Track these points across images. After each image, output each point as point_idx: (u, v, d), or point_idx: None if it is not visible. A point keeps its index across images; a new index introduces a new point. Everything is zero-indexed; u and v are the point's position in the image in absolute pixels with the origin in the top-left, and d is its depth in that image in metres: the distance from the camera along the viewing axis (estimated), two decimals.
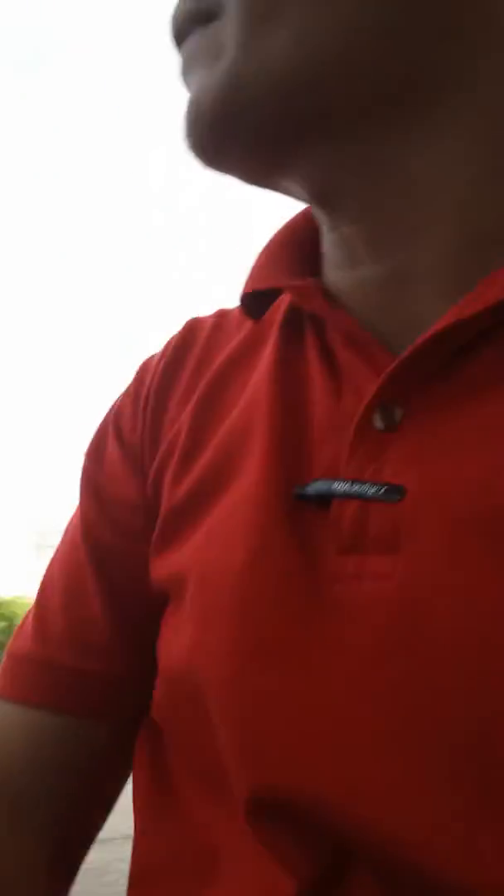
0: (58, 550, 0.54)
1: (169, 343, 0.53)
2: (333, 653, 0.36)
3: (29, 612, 0.53)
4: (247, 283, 0.46)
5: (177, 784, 0.44)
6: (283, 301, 0.47)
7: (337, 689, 0.36)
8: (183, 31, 0.41)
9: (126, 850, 0.47)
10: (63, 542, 0.54)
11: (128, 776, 0.51)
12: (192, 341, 0.52)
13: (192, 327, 0.53)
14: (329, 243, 0.44)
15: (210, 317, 0.53)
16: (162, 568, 0.46)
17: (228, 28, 0.38)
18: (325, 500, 0.39)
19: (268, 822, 0.37)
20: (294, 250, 0.46)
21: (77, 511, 0.53)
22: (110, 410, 0.55)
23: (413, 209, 0.39)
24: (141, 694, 0.48)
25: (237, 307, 0.51)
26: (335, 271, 0.43)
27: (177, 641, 0.43)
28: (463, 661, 0.33)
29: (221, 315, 0.53)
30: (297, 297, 0.45)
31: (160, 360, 0.53)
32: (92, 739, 0.50)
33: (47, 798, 0.50)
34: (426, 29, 0.37)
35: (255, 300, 0.46)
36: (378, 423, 0.39)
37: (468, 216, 0.39)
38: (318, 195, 0.42)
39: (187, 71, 0.41)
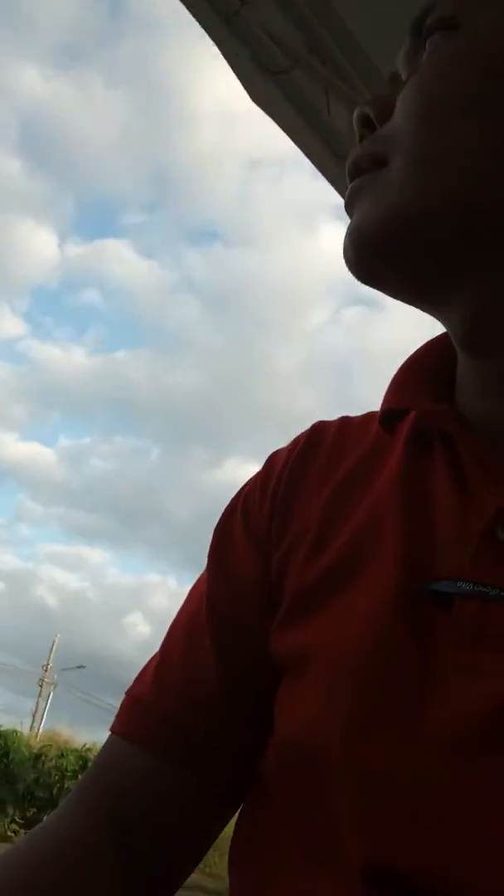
0: (184, 606, 0.60)
1: (298, 439, 0.60)
2: (445, 736, 0.41)
3: (153, 657, 0.59)
4: (385, 401, 0.53)
5: (280, 844, 0.47)
6: (411, 415, 0.53)
7: (450, 771, 0.40)
8: (359, 169, 0.50)
9: None
10: (189, 600, 0.60)
11: (215, 839, 0.55)
12: (320, 440, 0.59)
13: (320, 429, 0.60)
14: (464, 371, 0.51)
15: (335, 421, 0.60)
16: (285, 643, 0.52)
17: (399, 171, 0.47)
18: (447, 598, 0.44)
19: (381, 889, 0.40)
20: (426, 374, 0.53)
21: (203, 579, 0.59)
22: (239, 493, 0.61)
23: None
24: (242, 760, 0.52)
25: (358, 416, 0.59)
26: (469, 397, 0.50)
27: (298, 710, 0.47)
28: None
29: (345, 421, 0.60)
30: (431, 420, 0.51)
31: (290, 453, 0.59)
32: (192, 792, 0.54)
33: (144, 837, 0.53)
34: None
35: (390, 416, 0.54)
36: (500, 534, 0.44)
37: None
38: (457, 325, 0.50)
39: (353, 201, 0.50)
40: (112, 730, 0.56)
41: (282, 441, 0.62)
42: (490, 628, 0.42)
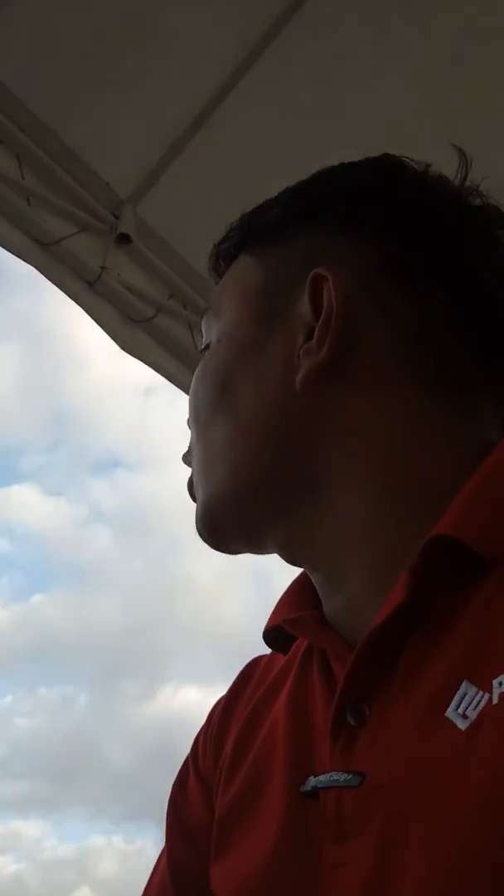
0: (154, 869, 0.63)
1: (233, 682, 0.65)
2: None
3: None
4: (266, 624, 0.58)
5: None
6: None
7: None
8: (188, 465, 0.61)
9: None
10: (157, 862, 0.62)
11: None
12: (248, 678, 0.64)
13: (252, 665, 0.65)
14: (314, 582, 0.56)
15: (267, 655, 0.63)
16: (214, 875, 0.53)
17: (195, 475, 0.59)
18: (316, 794, 0.46)
19: None
20: (305, 588, 0.58)
21: (166, 833, 0.60)
22: (193, 744, 0.65)
23: (342, 557, 0.52)
24: None
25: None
26: (324, 602, 0.55)
27: None
28: None
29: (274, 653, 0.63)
30: (290, 627, 0.56)
31: (225, 698, 0.64)
32: None
33: None
34: (294, 459, 0.53)
35: (280, 636, 0.58)
36: (350, 719, 0.46)
37: (376, 552, 0.51)
38: (287, 559, 0.57)
39: (190, 494, 0.60)
40: None
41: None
42: (346, 814, 0.43)
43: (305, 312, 0.54)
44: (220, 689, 0.66)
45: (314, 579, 0.56)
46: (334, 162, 0.60)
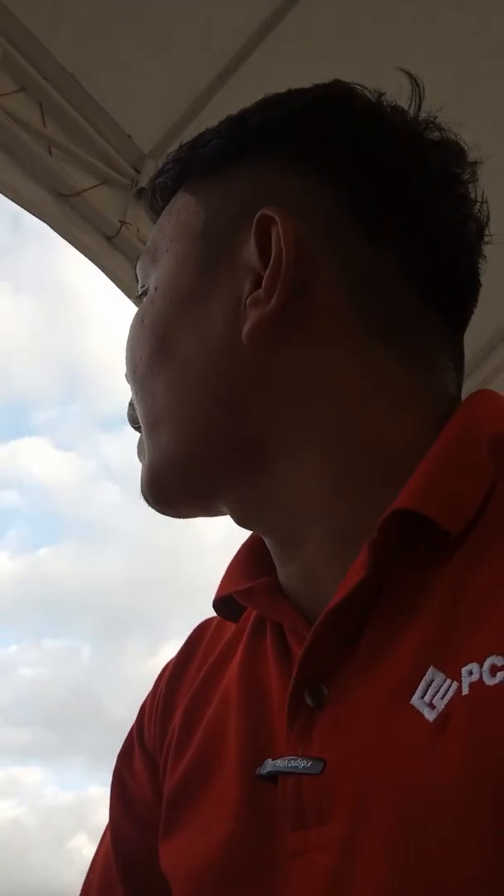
0: (101, 840, 0.60)
1: (182, 647, 0.60)
2: None
3: None
4: (216, 593, 0.55)
5: None
6: None
7: None
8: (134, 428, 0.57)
9: None
10: (104, 834, 0.60)
11: None
12: (198, 643, 0.60)
13: (201, 628, 0.60)
14: (268, 546, 0.53)
15: (216, 617, 0.59)
16: (164, 856, 0.51)
17: (144, 435, 0.55)
18: (274, 779, 0.44)
19: None
20: (257, 552, 0.55)
21: (109, 807, 0.58)
22: (139, 712, 0.60)
23: (297, 523, 0.49)
24: None
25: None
26: (278, 569, 0.52)
27: None
28: None
29: None
30: (242, 599, 0.53)
31: (172, 662, 0.61)
32: None
33: None
34: (244, 418, 0.50)
35: (230, 603, 0.54)
36: (308, 700, 0.44)
37: (334, 520, 0.48)
38: (237, 521, 0.54)
39: (138, 455, 0.56)
40: None
41: None
42: (306, 802, 0.41)
43: (251, 258, 0.50)
44: None
45: (267, 543, 0.53)
46: None
